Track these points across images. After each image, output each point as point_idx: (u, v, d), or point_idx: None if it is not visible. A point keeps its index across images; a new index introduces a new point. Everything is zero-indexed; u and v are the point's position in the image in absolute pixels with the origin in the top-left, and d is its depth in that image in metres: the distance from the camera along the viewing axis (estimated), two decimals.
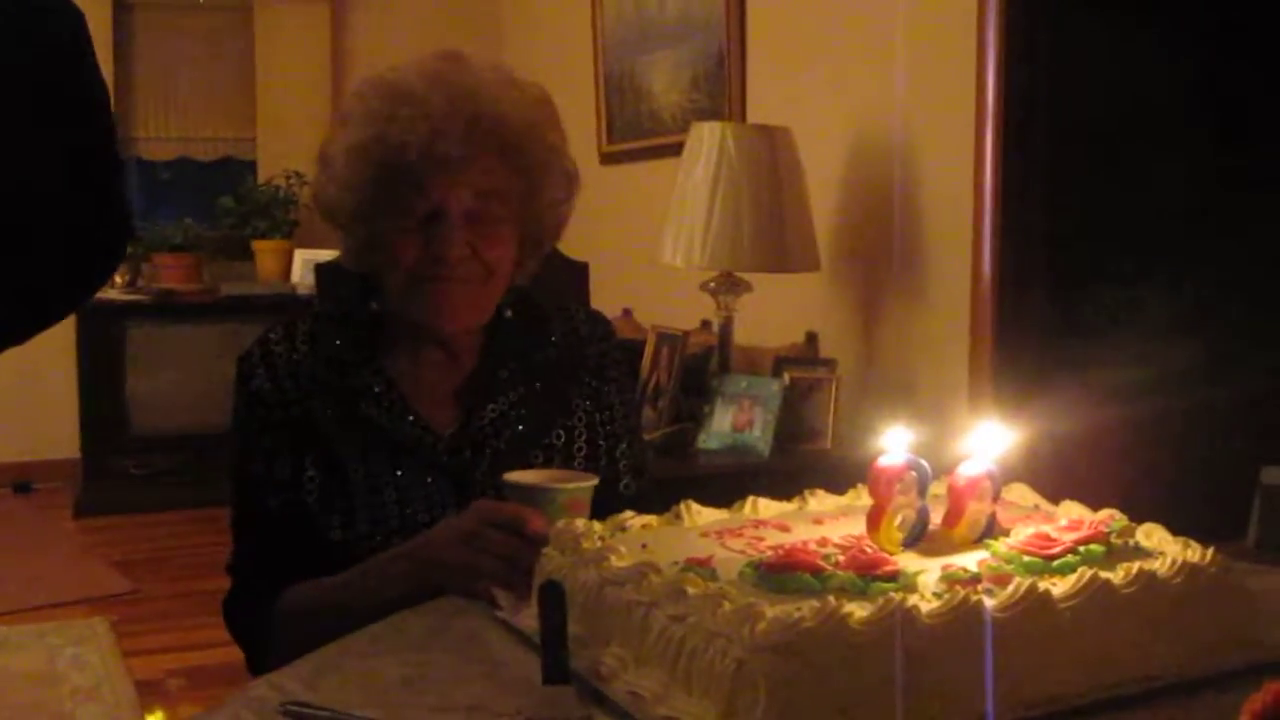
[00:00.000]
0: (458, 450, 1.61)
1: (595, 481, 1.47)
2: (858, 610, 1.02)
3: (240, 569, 1.65)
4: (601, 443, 1.71)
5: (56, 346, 5.13)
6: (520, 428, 1.64)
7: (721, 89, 3.96)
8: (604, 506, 1.42)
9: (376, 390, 1.60)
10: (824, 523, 1.33)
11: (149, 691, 3.49)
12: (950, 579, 1.12)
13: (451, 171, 1.54)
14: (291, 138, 5.83)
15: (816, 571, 1.11)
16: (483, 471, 1.60)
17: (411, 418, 1.60)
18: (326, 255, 2.36)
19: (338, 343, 1.63)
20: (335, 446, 1.58)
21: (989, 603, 1.06)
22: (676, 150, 3.28)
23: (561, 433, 1.68)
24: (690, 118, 3.88)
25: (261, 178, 5.92)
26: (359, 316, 1.66)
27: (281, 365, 1.61)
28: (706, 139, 3.08)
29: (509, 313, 1.70)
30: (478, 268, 1.58)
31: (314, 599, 1.53)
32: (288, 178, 5.74)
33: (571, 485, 1.44)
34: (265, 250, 5.81)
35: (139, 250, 5.56)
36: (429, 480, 1.59)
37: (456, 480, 1.60)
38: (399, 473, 1.59)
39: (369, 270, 1.65)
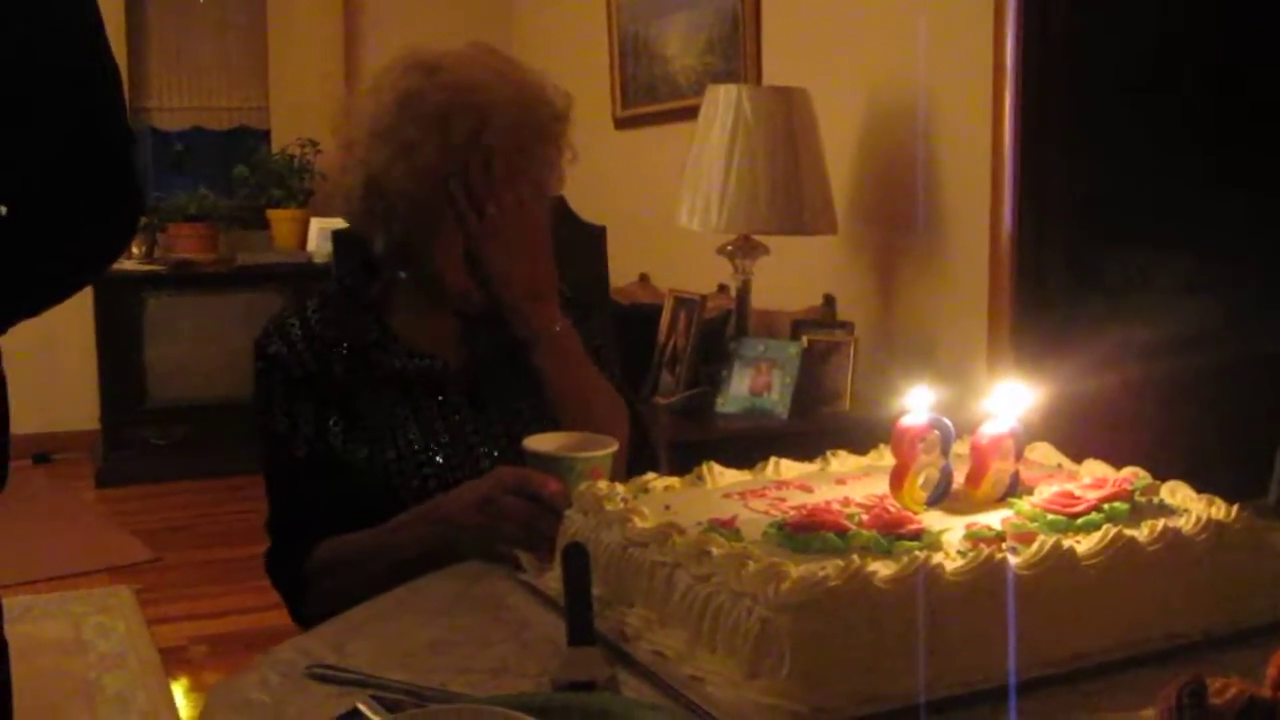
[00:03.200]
0: (468, 374, 1.72)
1: (615, 448, 1.47)
2: (882, 569, 1.02)
3: (277, 525, 1.70)
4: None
5: (74, 318, 5.14)
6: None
7: (737, 51, 3.94)
8: None
9: (381, 340, 1.70)
10: (847, 483, 1.33)
11: (173, 658, 3.52)
12: (974, 537, 1.12)
13: (520, 166, 1.69)
14: (305, 106, 5.81)
15: (840, 531, 1.11)
16: (494, 390, 1.71)
17: (417, 357, 1.70)
18: (342, 223, 2.36)
19: (344, 316, 1.72)
20: (353, 395, 1.67)
21: (1013, 561, 1.06)
22: (692, 114, 3.26)
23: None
24: (705, 80, 3.86)
25: (275, 146, 5.91)
26: (364, 293, 1.76)
27: (296, 336, 1.70)
28: (722, 102, 3.07)
29: None
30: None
31: (343, 553, 1.59)
32: (302, 146, 5.73)
33: (589, 454, 1.45)
34: (281, 219, 5.81)
35: (155, 221, 5.57)
36: (444, 407, 1.69)
37: (472, 401, 1.71)
38: (416, 407, 1.68)
39: (398, 236, 1.71)
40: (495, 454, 1.68)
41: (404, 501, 1.60)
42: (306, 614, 1.61)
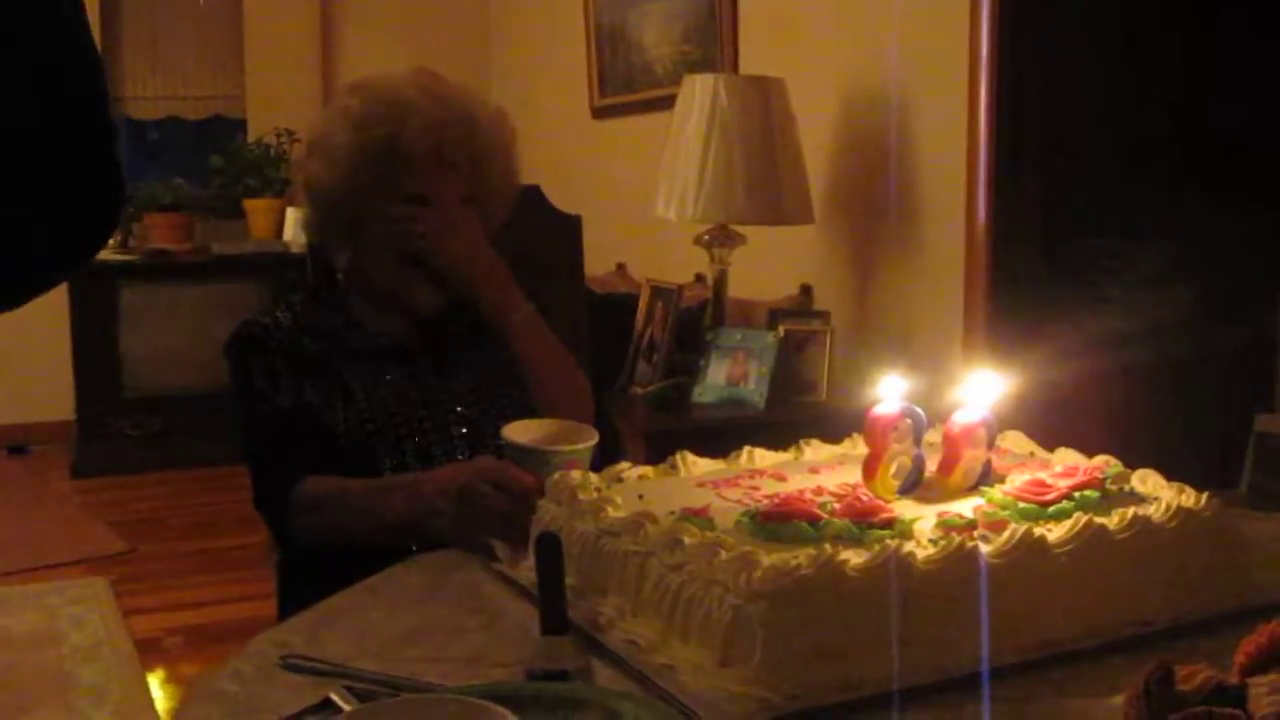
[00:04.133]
0: (432, 350, 1.83)
1: (594, 441, 1.48)
2: (854, 557, 1.02)
3: (262, 459, 1.75)
4: None
5: (49, 308, 5.09)
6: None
7: (713, 40, 3.94)
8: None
9: (349, 325, 1.83)
10: (820, 472, 1.33)
11: (148, 650, 3.51)
12: (946, 525, 1.13)
13: (444, 173, 1.81)
14: (281, 95, 5.78)
15: (813, 520, 1.12)
16: (459, 357, 1.83)
17: (383, 337, 1.83)
18: None
19: (318, 313, 1.85)
20: (328, 363, 1.78)
21: (984, 548, 1.06)
22: (669, 103, 3.26)
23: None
24: (682, 70, 3.85)
25: (251, 136, 5.88)
26: (328, 293, 1.89)
27: (269, 321, 1.82)
28: (699, 91, 3.06)
29: None
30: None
31: (332, 494, 1.65)
32: (278, 135, 5.70)
33: (568, 447, 1.45)
34: (257, 209, 5.78)
35: (130, 210, 5.53)
36: (415, 374, 1.80)
37: (438, 370, 1.81)
38: (388, 375, 1.79)
39: (347, 253, 1.86)
40: (462, 411, 1.77)
41: (380, 458, 1.71)
42: (295, 541, 1.69)
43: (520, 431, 1.47)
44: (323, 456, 1.70)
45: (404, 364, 1.81)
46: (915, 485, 1.25)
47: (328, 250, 1.91)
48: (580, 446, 1.45)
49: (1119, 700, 0.85)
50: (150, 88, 6.01)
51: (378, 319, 1.84)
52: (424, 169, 1.79)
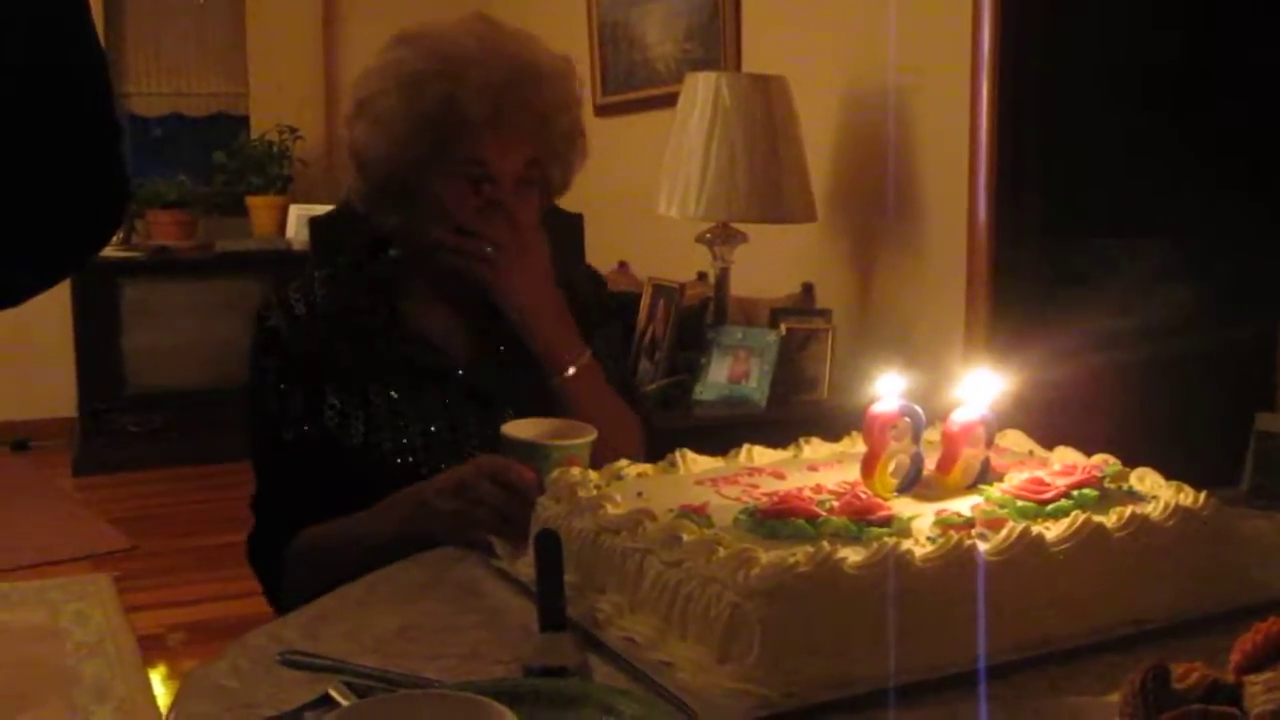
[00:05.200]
0: (477, 368, 1.69)
1: (592, 436, 1.47)
2: (852, 555, 1.02)
3: (261, 506, 1.69)
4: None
5: (51, 304, 5.11)
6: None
7: (716, 38, 3.94)
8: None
9: (389, 325, 1.67)
10: (819, 469, 1.33)
11: (151, 646, 3.51)
12: (944, 523, 1.13)
13: (507, 138, 1.64)
14: (284, 92, 5.79)
15: (811, 517, 1.12)
16: (499, 391, 1.67)
17: (426, 348, 1.68)
18: (321, 210, 2.37)
19: (352, 293, 1.70)
20: (353, 377, 1.64)
21: (982, 546, 1.07)
22: (671, 101, 3.26)
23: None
24: (685, 68, 3.85)
25: (254, 133, 5.89)
26: (373, 269, 1.73)
27: (298, 309, 1.67)
28: (701, 89, 3.06)
29: None
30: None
31: (322, 542, 1.58)
32: (281, 132, 5.70)
33: (566, 442, 1.45)
34: (260, 206, 5.79)
35: (133, 207, 5.54)
36: (448, 397, 1.67)
37: (479, 399, 1.67)
38: (418, 397, 1.65)
39: (397, 220, 1.70)
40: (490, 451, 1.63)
41: (395, 486, 1.57)
42: (284, 601, 1.60)
43: (519, 428, 1.47)
44: (329, 488, 1.60)
45: (439, 384, 1.66)
46: (914, 483, 1.25)
47: (374, 218, 1.73)
48: (579, 441, 1.45)
49: (1115, 698, 0.85)
50: (153, 84, 6.02)
51: (424, 309, 1.70)
52: (483, 132, 1.63)
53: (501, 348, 1.70)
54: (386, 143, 1.64)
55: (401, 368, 1.65)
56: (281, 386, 1.64)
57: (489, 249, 1.65)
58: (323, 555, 1.56)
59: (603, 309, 1.83)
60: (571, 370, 1.66)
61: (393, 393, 1.64)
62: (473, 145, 1.63)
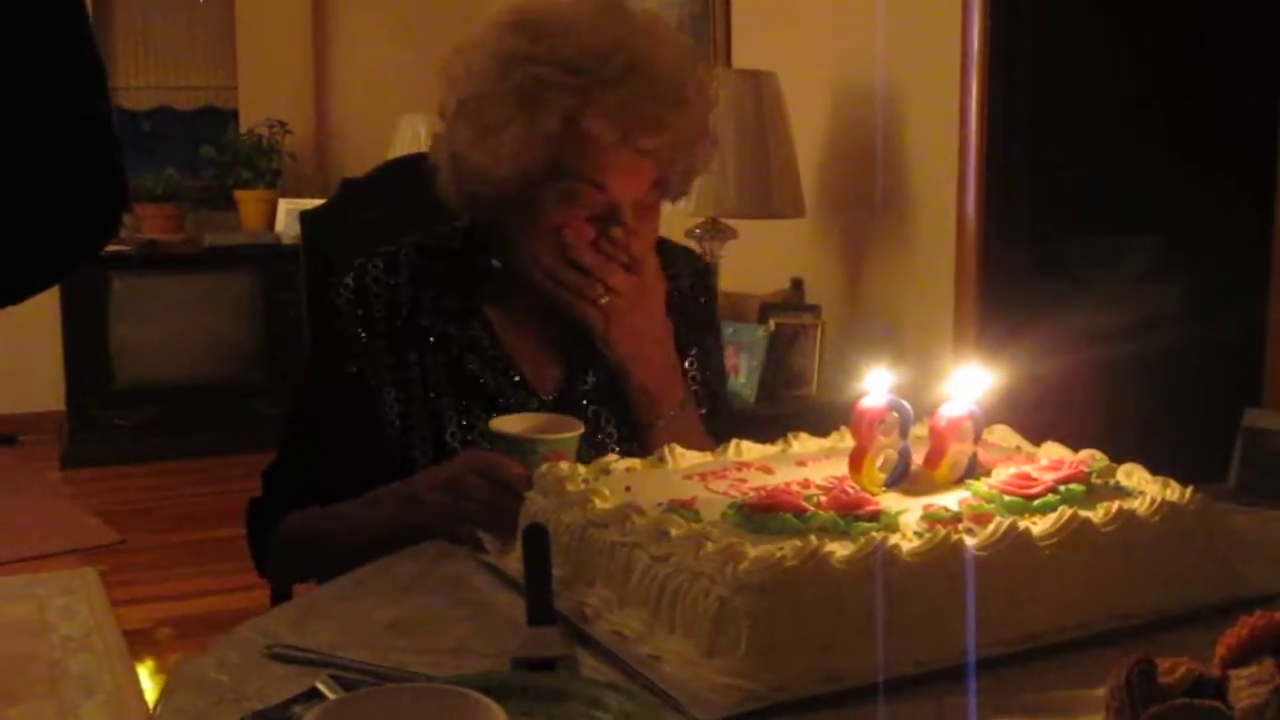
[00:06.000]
0: (563, 400, 1.59)
1: (580, 431, 1.47)
2: (839, 549, 1.03)
3: (275, 476, 1.64)
4: (701, 408, 1.66)
5: (40, 299, 5.00)
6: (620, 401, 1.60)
7: (706, 33, 3.93)
8: None
9: (483, 345, 1.58)
10: (807, 464, 1.33)
11: (138, 640, 3.51)
12: (931, 518, 1.13)
13: (632, 164, 1.48)
14: (274, 86, 5.77)
15: (799, 512, 1.12)
16: (587, 419, 1.56)
17: (517, 378, 1.59)
18: (311, 204, 2.36)
19: (442, 286, 1.59)
20: (431, 388, 1.57)
21: (969, 541, 1.07)
22: None
23: None
24: None
25: (244, 126, 5.87)
26: (472, 264, 1.61)
27: (378, 294, 1.58)
28: None
29: None
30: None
31: (310, 525, 1.56)
32: (270, 127, 5.69)
33: (554, 436, 1.44)
34: (249, 200, 5.77)
35: None
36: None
37: None
38: (475, 422, 1.57)
39: (492, 225, 1.57)
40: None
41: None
42: (268, 573, 1.63)
43: (507, 422, 1.47)
44: (344, 477, 1.53)
45: (521, 410, 1.54)
46: (901, 478, 1.25)
47: (462, 213, 1.59)
48: (567, 435, 1.45)
49: (1101, 692, 0.86)
50: (142, 77, 6.00)
51: (515, 326, 1.59)
52: (606, 154, 1.45)
53: (591, 378, 1.60)
54: (495, 157, 1.47)
55: (481, 393, 1.57)
56: (337, 366, 1.56)
57: (603, 297, 1.51)
58: (308, 541, 1.56)
59: (702, 320, 1.71)
60: (671, 413, 1.57)
61: (469, 422, 1.56)
62: (595, 167, 1.46)
